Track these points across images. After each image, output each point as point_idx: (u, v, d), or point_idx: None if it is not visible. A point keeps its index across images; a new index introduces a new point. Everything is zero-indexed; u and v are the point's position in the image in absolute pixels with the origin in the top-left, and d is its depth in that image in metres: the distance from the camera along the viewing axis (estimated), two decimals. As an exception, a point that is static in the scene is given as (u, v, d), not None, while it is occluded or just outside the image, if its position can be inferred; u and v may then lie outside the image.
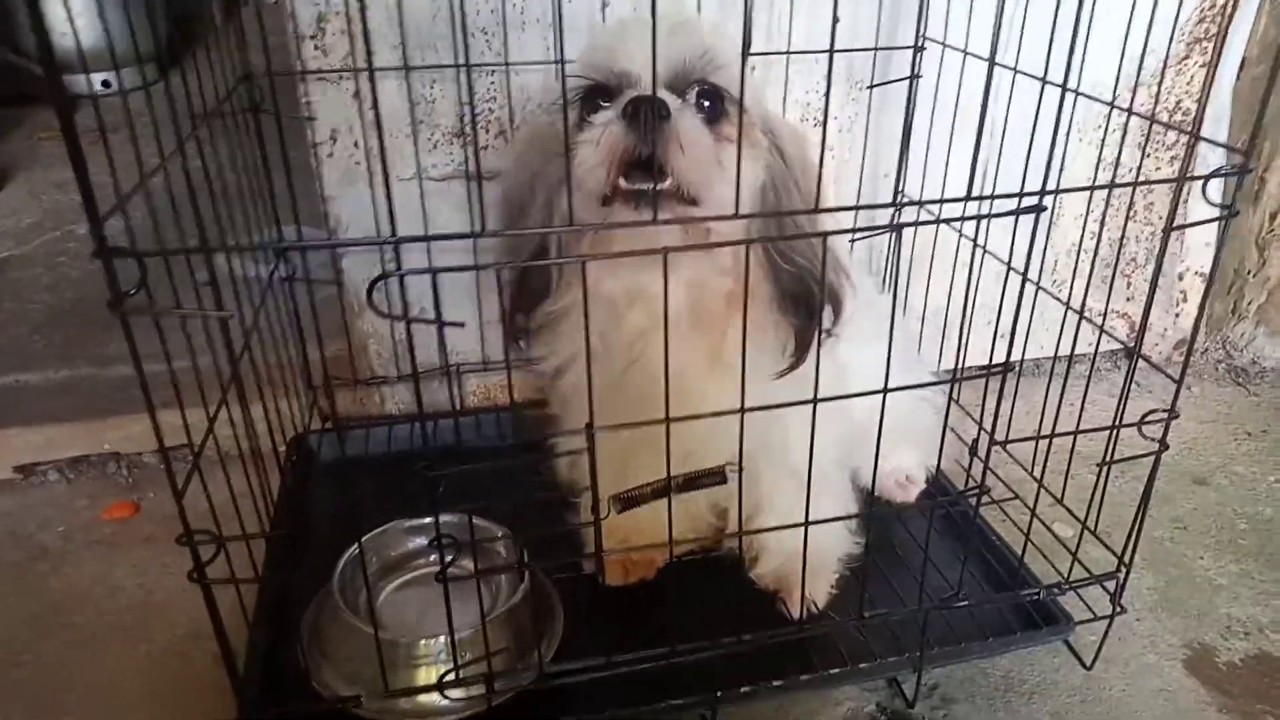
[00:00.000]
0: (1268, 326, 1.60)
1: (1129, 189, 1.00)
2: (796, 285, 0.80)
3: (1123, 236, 1.10)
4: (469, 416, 1.37)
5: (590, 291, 0.70)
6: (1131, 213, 1.45)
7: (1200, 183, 0.75)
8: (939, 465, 0.95)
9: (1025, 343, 1.02)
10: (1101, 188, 0.81)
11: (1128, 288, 1.55)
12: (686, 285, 0.81)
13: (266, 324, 1.07)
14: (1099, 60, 0.87)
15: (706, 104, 0.77)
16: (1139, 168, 1.10)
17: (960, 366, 0.81)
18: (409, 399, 1.40)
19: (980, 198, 0.71)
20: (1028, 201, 0.69)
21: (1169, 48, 1.35)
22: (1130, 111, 0.85)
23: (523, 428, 1.32)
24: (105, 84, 2.63)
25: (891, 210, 1.29)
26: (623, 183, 0.72)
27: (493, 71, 1.21)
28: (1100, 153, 1.28)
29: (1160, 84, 1.37)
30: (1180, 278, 1.58)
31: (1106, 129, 0.88)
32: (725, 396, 0.76)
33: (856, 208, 1.14)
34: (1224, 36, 1.38)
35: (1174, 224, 0.76)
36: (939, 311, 1.27)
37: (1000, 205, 0.72)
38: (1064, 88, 0.78)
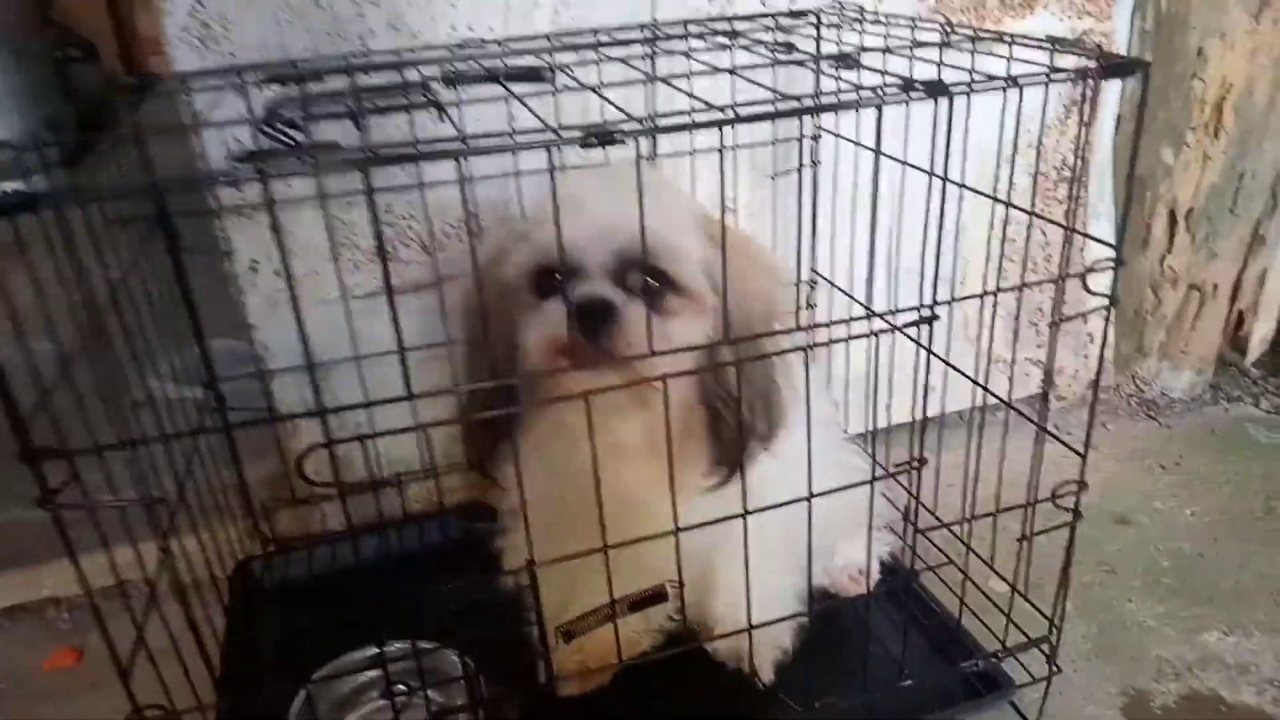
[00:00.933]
0: (1170, 360, 1.69)
1: (1019, 287, 1.06)
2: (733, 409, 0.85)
3: (1016, 329, 1.16)
4: (413, 524, 1.37)
5: (555, 421, 0.78)
6: (1032, 265, 1.53)
7: (1084, 269, 0.82)
8: (869, 553, 0.99)
9: (944, 398, 1.08)
10: (989, 294, 0.86)
11: (1038, 335, 1.62)
12: (643, 423, 0.84)
13: (199, 456, 1.07)
14: (983, 128, 0.93)
15: (651, 284, 0.80)
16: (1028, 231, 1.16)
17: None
18: (351, 512, 1.40)
19: (874, 314, 0.76)
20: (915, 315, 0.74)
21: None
22: (1009, 204, 0.91)
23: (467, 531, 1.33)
24: (17, 192, 2.59)
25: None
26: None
27: (410, 190, 1.23)
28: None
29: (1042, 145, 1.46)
30: (1086, 320, 1.67)
31: (992, 217, 0.93)
32: (687, 513, 0.81)
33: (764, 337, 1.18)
34: (1096, 97, 1.48)
35: (1060, 318, 0.82)
36: (860, 377, 1.32)
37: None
38: (945, 180, 0.83)
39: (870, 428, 1.00)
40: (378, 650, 0.97)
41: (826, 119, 1.28)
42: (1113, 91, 1.51)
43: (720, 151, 0.80)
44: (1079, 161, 0.82)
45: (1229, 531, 1.38)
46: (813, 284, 1.38)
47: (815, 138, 1.29)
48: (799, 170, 1.32)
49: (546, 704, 1.01)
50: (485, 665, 0.98)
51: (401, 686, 0.79)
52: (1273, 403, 1.69)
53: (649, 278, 0.79)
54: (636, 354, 0.75)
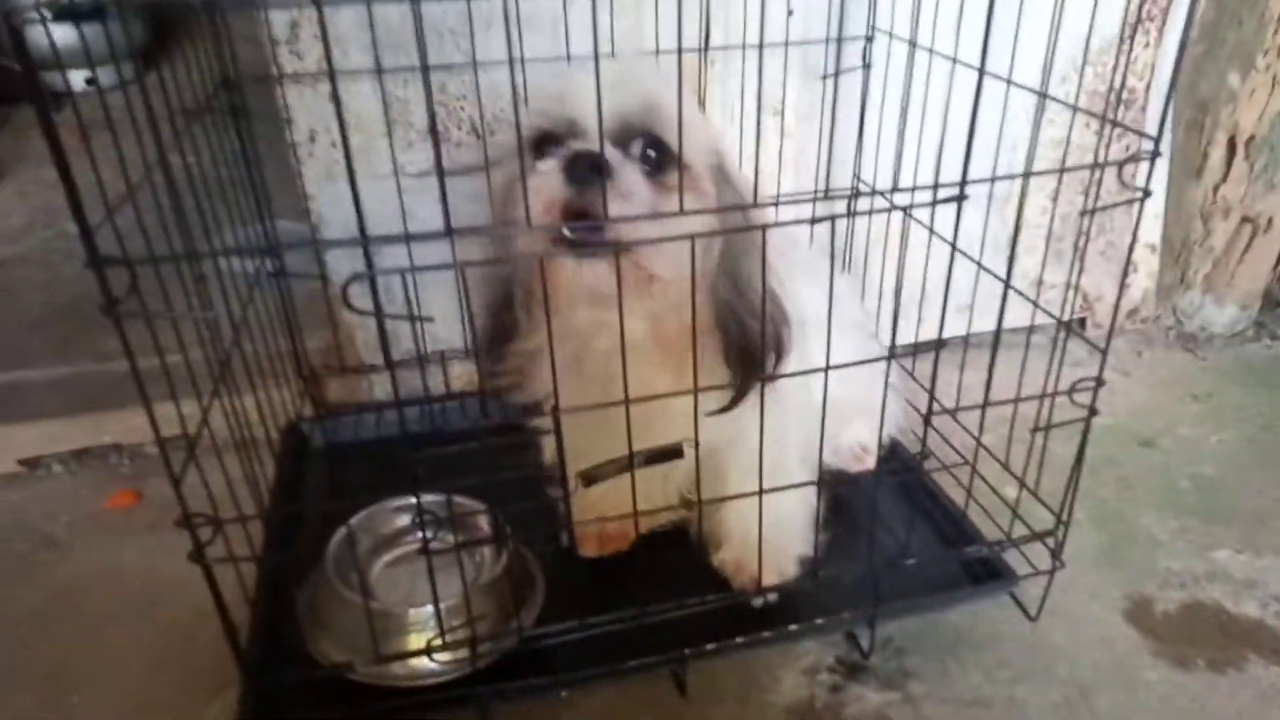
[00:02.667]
0: (1214, 294, 1.67)
1: (1058, 174, 1.06)
2: (740, 333, 0.86)
3: (1053, 217, 1.17)
4: (454, 400, 1.43)
5: (562, 326, 0.79)
6: (1083, 193, 1.52)
7: (1125, 166, 0.82)
8: (880, 434, 1.01)
9: (970, 317, 1.10)
10: (1019, 176, 0.87)
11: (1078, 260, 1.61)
12: (644, 318, 0.85)
13: (256, 317, 1.13)
14: (1040, 45, 0.93)
15: (651, 155, 0.80)
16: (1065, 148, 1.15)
17: (914, 342, 0.87)
18: (397, 386, 1.46)
19: (901, 190, 0.77)
20: (949, 193, 0.76)
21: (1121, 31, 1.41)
22: (1046, 96, 0.91)
23: (503, 410, 1.39)
24: (89, 81, 2.66)
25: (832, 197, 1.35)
26: (565, 232, 0.76)
27: (464, 70, 1.26)
28: (1036, 134, 1.34)
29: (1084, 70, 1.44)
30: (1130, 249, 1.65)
31: (1039, 114, 0.93)
32: (690, 408, 0.83)
33: (779, 207, 1.19)
34: (1165, 18, 1.45)
35: (1095, 206, 0.83)
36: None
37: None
38: (981, 72, 0.83)
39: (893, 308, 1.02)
40: (414, 499, 1.03)
41: (882, 19, 1.28)
42: (1181, 11, 1.47)
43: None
44: (1125, 46, 0.82)
45: (1254, 459, 1.38)
46: (855, 192, 1.39)
47: (869, 39, 1.29)
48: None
49: (570, 565, 1.08)
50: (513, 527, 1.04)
51: (431, 517, 0.85)
52: (1317, 344, 1.67)
53: (652, 148, 0.78)
54: (629, 219, 0.73)
